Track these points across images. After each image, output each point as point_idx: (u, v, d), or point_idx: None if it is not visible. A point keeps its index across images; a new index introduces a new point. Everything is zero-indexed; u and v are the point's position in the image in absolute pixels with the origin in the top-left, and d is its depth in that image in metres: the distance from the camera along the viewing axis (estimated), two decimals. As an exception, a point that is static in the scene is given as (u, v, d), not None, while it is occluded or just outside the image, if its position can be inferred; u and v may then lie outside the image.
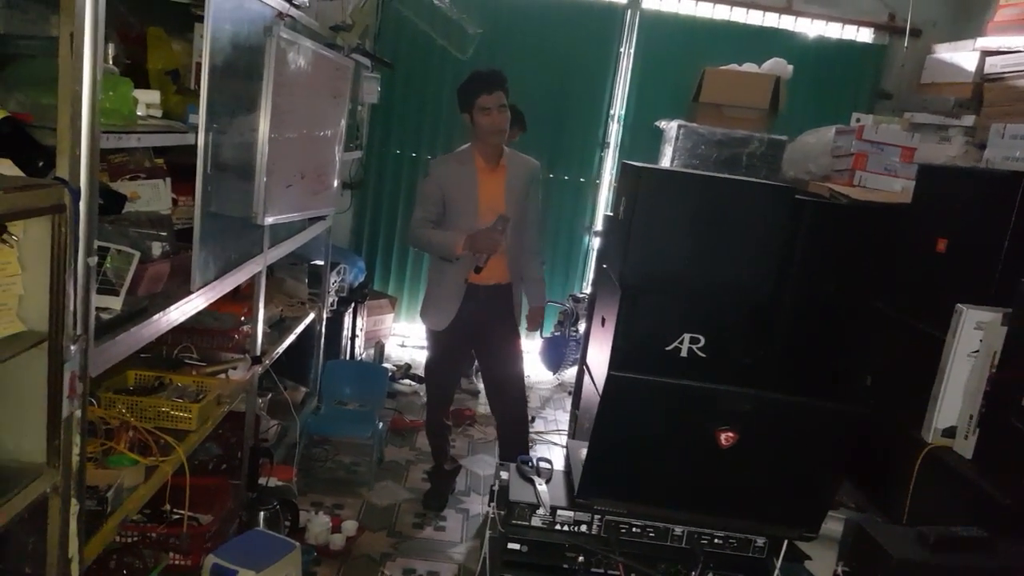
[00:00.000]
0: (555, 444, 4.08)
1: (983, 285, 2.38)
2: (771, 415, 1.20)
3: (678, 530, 1.32)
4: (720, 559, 1.31)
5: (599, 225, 5.23)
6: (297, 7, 2.65)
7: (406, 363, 4.78)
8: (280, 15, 2.45)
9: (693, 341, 3.21)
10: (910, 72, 4.89)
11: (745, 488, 1.27)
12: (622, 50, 5.04)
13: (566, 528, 1.32)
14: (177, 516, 2.41)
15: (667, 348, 3.21)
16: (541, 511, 1.32)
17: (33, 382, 1.39)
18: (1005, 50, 4.08)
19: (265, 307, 2.90)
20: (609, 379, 1.16)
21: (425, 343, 3.29)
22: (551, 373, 4.99)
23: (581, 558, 1.30)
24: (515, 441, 3.24)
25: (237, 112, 2.25)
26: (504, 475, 1.46)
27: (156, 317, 1.83)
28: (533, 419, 3.79)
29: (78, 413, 1.48)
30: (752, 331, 3.21)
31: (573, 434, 3.91)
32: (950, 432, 2.22)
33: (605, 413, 1.20)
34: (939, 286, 2.59)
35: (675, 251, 3.16)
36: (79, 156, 1.36)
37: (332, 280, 4.05)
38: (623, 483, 1.27)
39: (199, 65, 2.33)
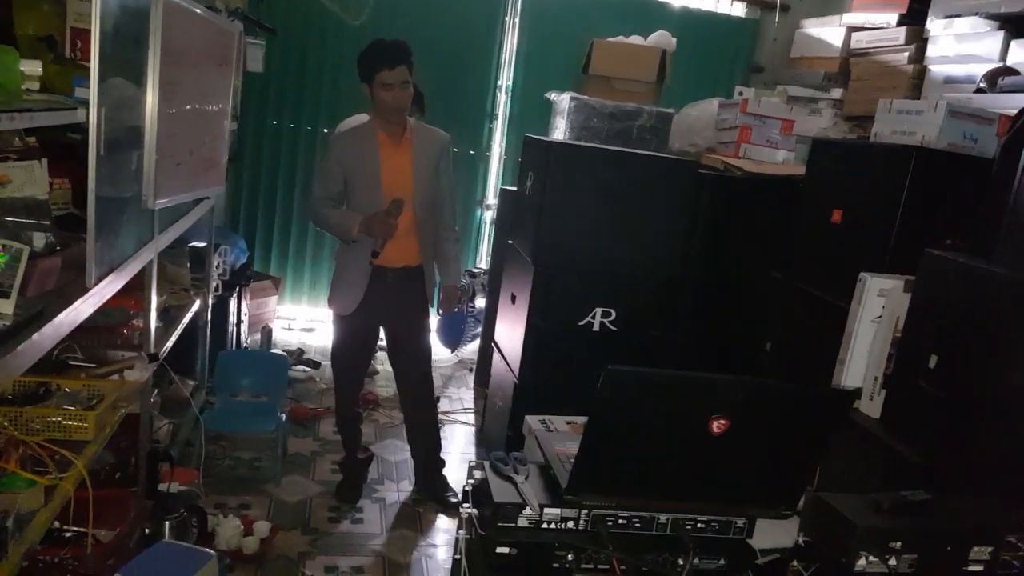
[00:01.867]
0: (463, 423, 4.03)
1: (878, 254, 2.52)
2: (764, 401, 1.20)
3: (663, 518, 1.31)
4: (702, 542, 1.32)
5: (491, 198, 5.18)
6: (180, -34, 2.39)
7: (298, 348, 4.56)
8: (165, -25, 2.20)
9: (605, 315, 3.25)
10: (781, 46, 5.13)
11: (731, 473, 1.28)
12: (507, 19, 4.97)
13: (553, 526, 1.28)
14: (71, 534, 2.17)
15: (580, 323, 3.24)
16: (528, 511, 1.27)
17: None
18: (869, 26, 4.35)
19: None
20: (606, 375, 1.11)
21: (332, 327, 3.13)
22: (449, 351, 4.92)
23: (571, 555, 1.26)
24: (425, 429, 3.19)
25: (123, 84, 2.00)
26: (478, 474, 1.39)
27: (58, 319, 1.61)
28: (438, 399, 3.71)
29: (-20, 439, 1.28)
30: (661, 303, 3.30)
31: (483, 413, 3.89)
32: (856, 394, 2.35)
33: (600, 409, 1.16)
34: (835, 256, 2.73)
35: (586, 227, 3.17)
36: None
37: (216, 263, 3.77)
38: (613, 477, 1.25)
39: (76, 30, 2.08)
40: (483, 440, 3.80)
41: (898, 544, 1.31)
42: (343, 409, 3.17)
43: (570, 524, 1.29)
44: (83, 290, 1.80)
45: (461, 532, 1.41)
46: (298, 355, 4.41)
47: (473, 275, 4.83)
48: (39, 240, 1.84)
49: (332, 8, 3.99)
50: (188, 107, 2.50)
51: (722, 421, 1.18)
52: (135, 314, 2.55)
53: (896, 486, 1.50)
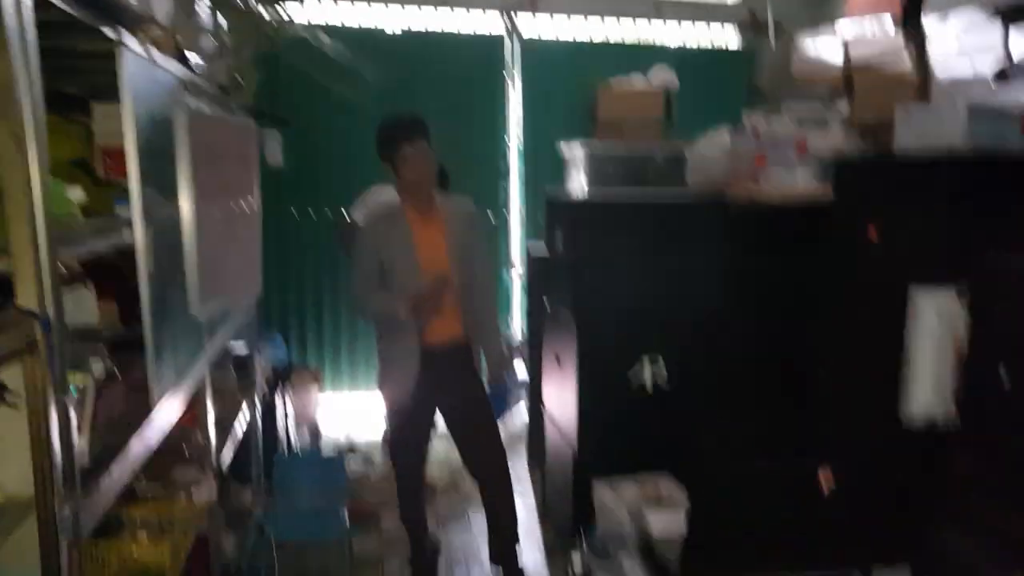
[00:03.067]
0: (522, 498, 3.90)
1: (925, 267, 2.42)
2: (870, 448, 1.13)
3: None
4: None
5: (515, 259, 5.15)
6: (193, 72, 2.41)
7: (348, 442, 4.46)
8: (182, 82, 2.21)
9: (652, 360, 3.15)
10: (780, 68, 5.14)
11: (843, 526, 1.19)
12: (508, 80, 5.02)
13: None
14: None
15: (628, 372, 3.13)
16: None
17: (22, 560, 1.11)
18: (867, 36, 4.34)
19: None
20: (708, 469, 1.04)
21: (384, 417, 3.04)
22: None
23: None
24: (502, 502, 3.02)
25: (159, 198, 1.98)
26: (576, 559, 1.31)
27: (133, 449, 1.55)
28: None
29: (76, 589, 1.21)
30: (709, 345, 3.20)
31: (543, 482, 3.76)
32: (930, 419, 2.19)
33: (703, 491, 1.08)
34: (877, 274, 2.63)
35: (622, 278, 3.11)
36: (43, 280, 1.11)
37: (258, 364, 3.72)
38: (726, 553, 1.16)
39: (106, 149, 2.08)
40: (548, 515, 3.66)
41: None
42: (407, 499, 3.04)
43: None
44: (147, 413, 1.75)
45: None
46: (349, 449, 4.31)
47: (511, 346, 4.75)
48: (97, 367, 1.80)
49: (339, 90, 4.01)
50: (220, 211, 2.49)
51: (829, 474, 1.11)
52: (192, 430, 2.49)
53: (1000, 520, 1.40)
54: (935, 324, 2.24)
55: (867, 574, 1.28)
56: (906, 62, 4.11)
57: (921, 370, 2.24)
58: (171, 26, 1.88)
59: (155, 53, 1.77)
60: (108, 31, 1.47)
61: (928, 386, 2.22)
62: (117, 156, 2.03)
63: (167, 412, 1.84)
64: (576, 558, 1.31)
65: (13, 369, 1.07)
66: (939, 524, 1.40)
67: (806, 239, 3.19)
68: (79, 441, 1.43)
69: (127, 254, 1.78)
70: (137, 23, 1.63)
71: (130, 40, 1.56)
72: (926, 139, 2.59)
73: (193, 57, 2.19)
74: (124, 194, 1.84)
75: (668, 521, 1.30)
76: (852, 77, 4.52)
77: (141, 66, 1.66)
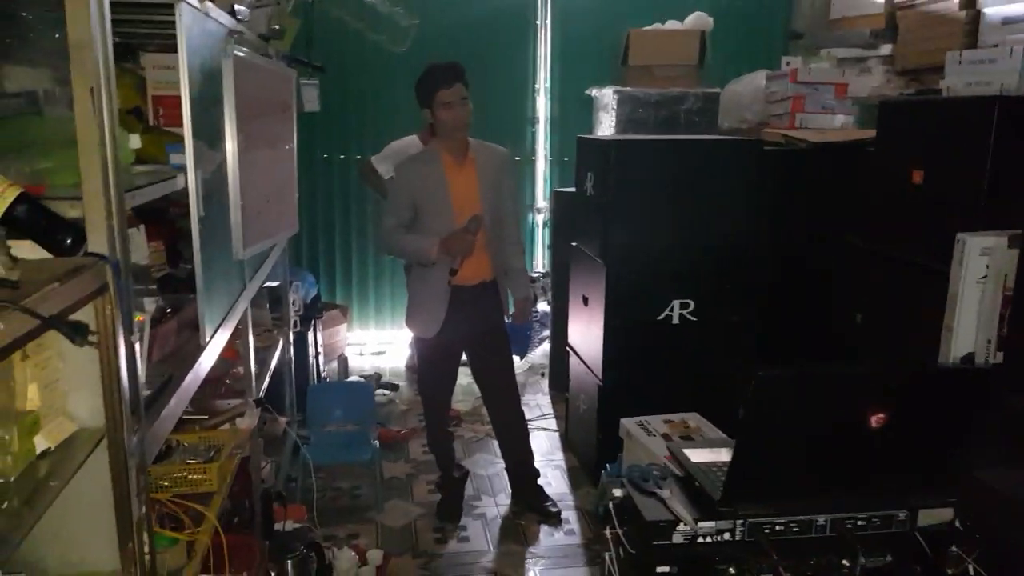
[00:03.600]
0: (546, 429, 4.03)
1: (970, 211, 2.45)
2: (919, 386, 1.18)
3: (821, 520, 1.29)
4: (865, 540, 1.29)
5: (540, 202, 5.18)
6: (238, 21, 2.44)
7: (375, 372, 4.62)
8: (230, 32, 2.24)
9: (683, 307, 3.23)
10: (818, 9, 5.02)
11: (889, 465, 1.25)
12: (539, 23, 4.96)
13: (709, 539, 1.27)
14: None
15: (658, 318, 3.22)
16: (682, 527, 1.27)
17: (95, 484, 1.22)
18: (911, -22, 4.22)
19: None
20: (758, 380, 1.10)
21: (413, 350, 3.16)
22: (519, 358, 4.92)
23: (732, 568, 1.25)
24: (517, 442, 3.20)
25: (209, 144, 2.04)
26: (617, 491, 1.39)
27: (187, 381, 1.65)
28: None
29: (143, 510, 1.32)
30: (738, 287, 3.26)
31: (567, 417, 3.88)
32: (969, 359, 2.29)
33: (751, 417, 1.14)
34: (921, 218, 2.66)
35: (653, 220, 3.16)
36: (114, 226, 1.18)
37: (291, 300, 3.83)
38: (767, 483, 1.23)
39: (156, 98, 2.14)
40: (570, 445, 3.80)
41: (1067, 518, 1.27)
42: (435, 429, 3.20)
43: (726, 536, 1.28)
44: (198, 348, 1.85)
45: (608, 553, 1.41)
46: (377, 379, 4.46)
47: (533, 280, 4.82)
48: (150, 305, 1.89)
49: (377, 39, 4.02)
50: (262, 156, 2.55)
51: (880, 415, 1.16)
52: (234, 362, 2.60)
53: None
54: (982, 270, 2.27)
55: (914, 512, 1.35)
56: (954, 3, 3.99)
57: (966, 315, 2.29)
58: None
59: (209, 6, 1.81)
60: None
61: (973, 330, 2.28)
62: (168, 104, 2.11)
63: (215, 347, 1.94)
64: (612, 488, 1.39)
65: (85, 309, 1.15)
66: (980, 464, 1.47)
67: (843, 181, 3.20)
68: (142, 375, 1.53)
69: (172, 197, 1.85)
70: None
71: (185, -6, 1.60)
72: (977, 83, 2.57)
73: (239, 8, 2.22)
74: (174, 140, 1.91)
75: (707, 452, 1.37)
76: (895, 19, 4.41)
77: (196, 18, 1.70)
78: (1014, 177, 2.36)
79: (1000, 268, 2.22)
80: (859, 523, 1.30)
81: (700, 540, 1.28)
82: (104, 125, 1.15)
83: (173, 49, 2.10)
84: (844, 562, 1.27)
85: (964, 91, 2.64)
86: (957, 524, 1.38)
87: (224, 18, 2.12)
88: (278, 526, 2.66)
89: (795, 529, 1.28)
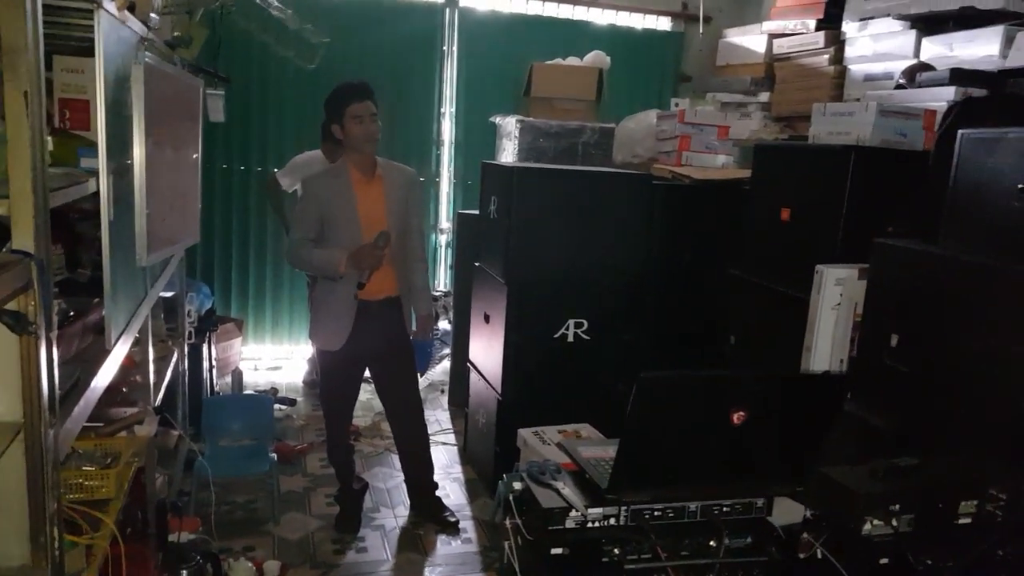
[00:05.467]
0: (444, 444, 4.12)
1: (828, 246, 2.76)
2: (775, 391, 1.37)
3: (692, 506, 1.46)
4: (730, 524, 1.47)
5: (444, 222, 5.30)
6: (149, 28, 2.45)
7: (271, 387, 4.58)
8: (141, 39, 2.27)
9: (578, 326, 3.42)
10: (706, 55, 5.42)
11: (749, 458, 1.44)
12: (445, 48, 5.12)
13: (597, 524, 1.42)
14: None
15: (555, 336, 3.39)
16: (574, 513, 1.41)
17: (8, 478, 1.24)
18: (790, 32, 4.65)
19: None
20: (641, 382, 1.26)
21: (314, 365, 3.19)
22: (419, 374, 5.00)
23: (617, 549, 1.40)
24: (418, 455, 3.29)
25: (118, 149, 2.06)
26: (517, 485, 1.52)
27: (93, 385, 1.66)
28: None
29: (55, 506, 1.34)
30: (628, 309, 3.48)
31: (465, 432, 3.99)
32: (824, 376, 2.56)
33: (636, 413, 1.30)
34: (788, 251, 2.96)
35: (552, 244, 3.34)
36: (40, 225, 1.22)
37: (186, 311, 3.78)
38: (648, 474, 1.39)
39: (64, 100, 2.13)
40: (469, 458, 3.90)
41: (897, 507, 1.49)
42: (336, 442, 3.23)
43: (612, 521, 1.43)
44: (103, 352, 1.86)
45: (507, 542, 1.53)
46: (273, 394, 4.43)
47: (435, 298, 4.92)
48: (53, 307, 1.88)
49: (285, 55, 4.06)
50: (168, 164, 2.56)
51: (741, 412, 1.34)
52: (130, 370, 2.57)
53: (872, 456, 1.69)
54: (837, 298, 2.56)
55: (770, 500, 1.53)
56: (824, 60, 4.42)
57: (823, 337, 2.58)
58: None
59: (126, 14, 1.85)
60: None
61: (828, 350, 2.57)
62: (75, 107, 2.11)
63: (119, 352, 1.95)
64: (513, 482, 1.51)
65: (8, 305, 1.18)
66: (830, 461, 1.68)
67: (723, 215, 3.49)
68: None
69: (73, 202, 1.86)
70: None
71: (108, 2, 1.64)
72: (838, 133, 2.89)
73: (152, 16, 2.25)
74: (82, 144, 1.92)
75: (596, 449, 1.52)
76: (773, 69, 4.83)
77: (113, 25, 1.74)
78: (865, 217, 2.68)
79: (852, 297, 2.51)
80: (724, 509, 1.47)
81: (590, 525, 1.42)
82: (35, 128, 1.19)
83: (83, 53, 2.13)
84: (711, 543, 1.44)
85: (827, 139, 2.96)
86: (807, 513, 1.59)
87: (136, 25, 2.15)
88: (172, 538, 2.63)
89: (671, 515, 1.45)
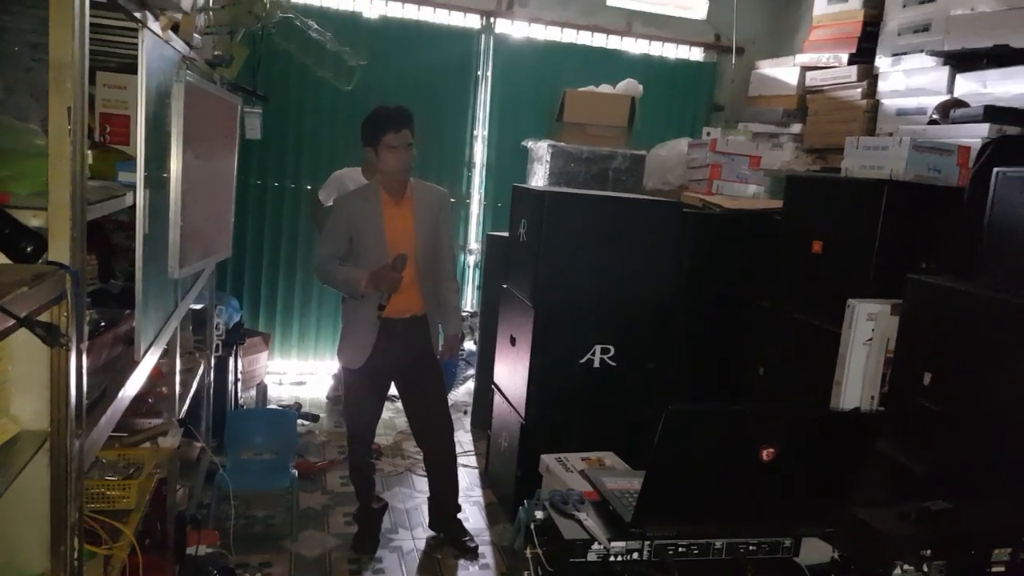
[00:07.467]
0: (465, 466, 4.10)
1: (860, 280, 2.72)
2: (806, 427, 1.34)
3: (718, 543, 1.43)
4: (755, 563, 1.44)
5: (473, 243, 5.32)
6: (191, 47, 2.51)
7: (295, 402, 4.60)
8: (183, 58, 2.31)
9: (604, 351, 3.39)
10: (739, 86, 5.41)
11: (777, 496, 1.40)
12: (480, 73, 5.17)
13: (620, 558, 1.39)
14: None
15: (581, 361, 3.37)
16: (596, 546, 1.38)
17: (32, 486, 1.25)
18: (822, 66, 4.63)
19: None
20: (669, 414, 1.24)
21: (339, 381, 3.20)
22: (442, 394, 4.99)
23: (640, 584, 1.37)
24: (445, 474, 3.26)
25: (156, 164, 2.09)
26: (539, 514, 1.50)
27: (121, 395, 1.68)
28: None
29: (77, 516, 1.34)
30: (656, 336, 3.45)
31: (487, 454, 3.97)
32: (855, 412, 2.51)
33: (663, 446, 1.28)
34: (819, 283, 2.92)
35: (580, 269, 3.33)
36: (76, 237, 1.24)
37: (215, 323, 3.82)
38: (674, 508, 1.36)
39: (104, 115, 2.18)
40: (489, 481, 3.88)
41: (928, 552, 1.45)
42: (357, 460, 3.22)
43: (635, 555, 1.40)
44: (132, 363, 1.87)
45: (527, 572, 1.51)
46: (296, 409, 4.44)
47: (463, 319, 4.93)
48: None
49: (323, 76, 4.13)
50: (203, 179, 2.60)
51: (771, 449, 1.31)
52: (157, 381, 2.60)
53: (903, 498, 1.65)
54: (868, 333, 2.51)
55: (798, 540, 1.50)
56: (857, 93, 4.39)
57: (854, 373, 2.53)
58: (191, 12, 1.99)
59: (170, 34, 1.89)
60: (135, 12, 1.58)
61: (859, 386, 2.52)
62: (116, 122, 2.16)
63: (148, 363, 1.96)
64: (534, 511, 1.49)
65: (42, 316, 1.19)
66: (859, 502, 1.64)
67: (753, 246, 3.46)
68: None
69: (110, 214, 1.89)
70: (160, 7, 1.74)
71: (152, 22, 1.68)
72: (871, 167, 2.86)
73: (195, 36, 2.30)
74: (121, 158, 1.96)
75: (620, 480, 1.50)
76: (806, 101, 4.81)
77: (156, 44, 1.78)
78: (898, 251, 2.64)
79: (884, 332, 2.47)
80: (751, 547, 1.44)
81: (612, 559, 1.39)
82: (76, 142, 1.22)
83: (125, 70, 2.17)
84: (738, 583, 1.41)
85: (860, 173, 2.92)
86: (835, 554, 1.55)
87: (179, 44, 2.19)
88: (190, 550, 2.64)
89: (695, 551, 1.42)
